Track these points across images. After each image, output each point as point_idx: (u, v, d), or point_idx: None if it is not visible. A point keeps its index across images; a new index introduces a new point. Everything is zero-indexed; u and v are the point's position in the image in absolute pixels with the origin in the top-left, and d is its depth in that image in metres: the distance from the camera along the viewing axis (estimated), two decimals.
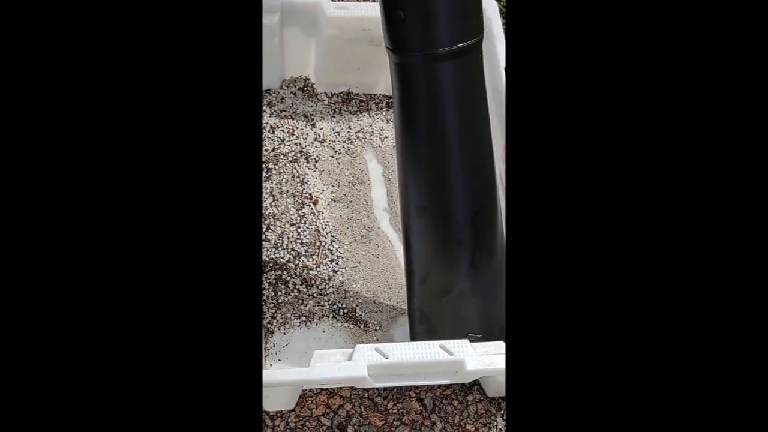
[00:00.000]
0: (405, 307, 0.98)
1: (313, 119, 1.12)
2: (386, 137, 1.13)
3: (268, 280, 0.97)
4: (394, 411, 0.95)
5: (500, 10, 1.12)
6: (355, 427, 0.93)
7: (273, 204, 1.03)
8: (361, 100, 1.17)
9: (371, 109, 1.16)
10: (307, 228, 1.01)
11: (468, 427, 0.94)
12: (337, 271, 0.99)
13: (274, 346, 0.93)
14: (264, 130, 1.09)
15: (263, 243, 0.99)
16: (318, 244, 1.01)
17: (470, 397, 0.96)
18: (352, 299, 0.97)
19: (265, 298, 0.96)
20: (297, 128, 1.10)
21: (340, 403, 0.94)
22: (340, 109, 1.15)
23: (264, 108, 1.12)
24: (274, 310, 0.95)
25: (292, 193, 1.04)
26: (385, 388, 0.95)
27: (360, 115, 1.15)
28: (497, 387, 0.95)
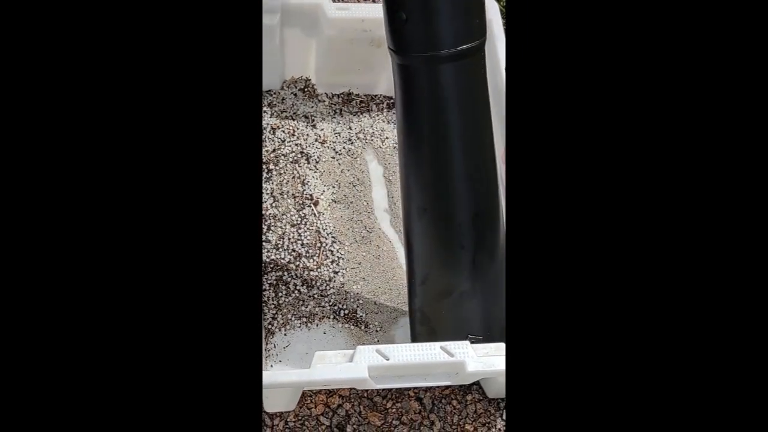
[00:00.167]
0: (406, 308, 0.98)
1: (313, 120, 1.13)
2: (387, 138, 1.14)
3: (268, 281, 0.97)
4: (393, 410, 0.95)
5: (501, 11, 1.12)
6: (354, 426, 0.93)
7: (274, 205, 1.03)
8: (361, 101, 1.17)
9: (372, 110, 1.17)
10: (307, 229, 1.02)
11: (467, 426, 0.95)
12: (338, 272, 0.99)
13: (274, 347, 0.93)
14: (264, 131, 1.09)
15: (264, 244, 1.00)
16: (319, 245, 1.01)
17: (469, 397, 0.97)
18: (352, 300, 0.98)
19: (265, 299, 0.96)
20: (298, 129, 1.11)
21: (339, 402, 0.95)
22: (341, 110, 1.16)
23: (265, 109, 1.12)
24: (274, 311, 0.95)
25: (293, 194, 1.04)
26: (383, 388, 0.96)
27: (361, 116, 1.15)
28: (498, 388, 0.95)
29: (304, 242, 1.00)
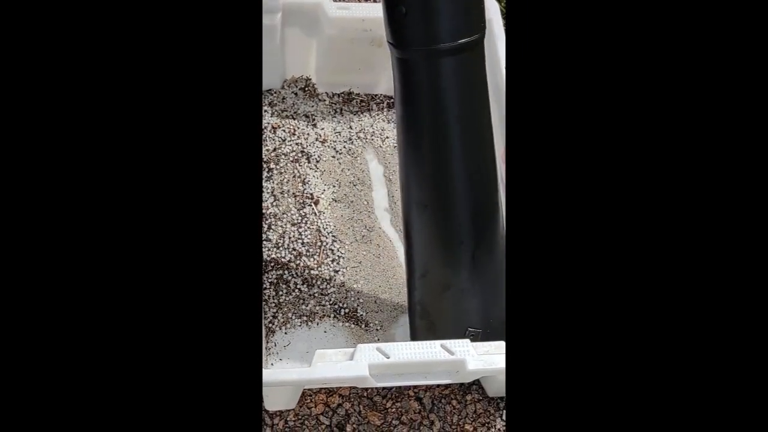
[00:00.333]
0: (406, 307, 0.98)
1: (314, 119, 1.13)
2: (387, 137, 1.14)
3: (269, 280, 0.97)
4: (393, 410, 0.95)
5: (501, 11, 1.12)
6: (354, 425, 0.93)
7: (274, 204, 1.03)
8: (362, 101, 1.18)
9: (372, 110, 1.17)
10: (308, 228, 1.02)
11: (467, 426, 0.95)
12: (339, 271, 0.99)
13: (275, 345, 0.93)
14: (265, 130, 1.09)
15: (265, 243, 1.00)
16: (319, 244, 1.01)
17: (469, 397, 0.97)
18: (353, 299, 0.98)
19: (266, 297, 0.96)
20: (298, 128, 1.11)
21: (339, 401, 0.95)
22: (341, 110, 1.16)
23: (265, 108, 1.12)
24: (275, 310, 0.95)
25: (294, 193, 1.04)
26: (384, 387, 0.96)
27: (361, 116, 1.16)
28: (498, 387, 0.95)
29: (305, 241, 1.00)
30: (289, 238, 1.00)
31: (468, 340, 0.83)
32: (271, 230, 1.01)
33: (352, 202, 1.06)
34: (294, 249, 1.00)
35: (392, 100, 1.18)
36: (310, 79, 1.16)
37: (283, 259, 0.99)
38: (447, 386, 0.97)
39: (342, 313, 0.96)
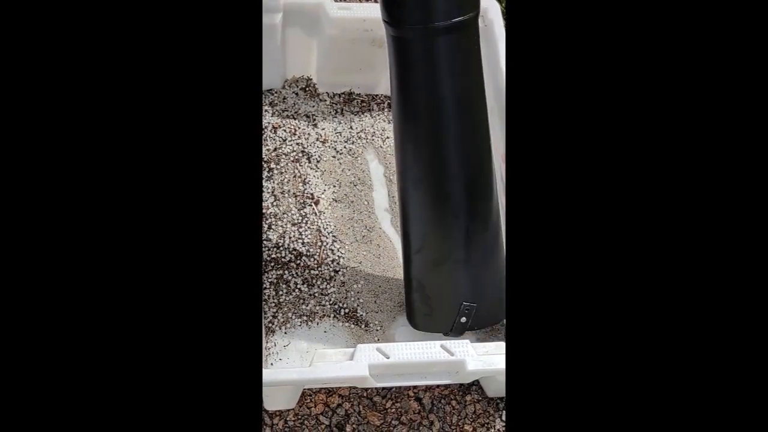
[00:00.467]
0: (407, 307, 0.99)
1: (314, 119, 1.13)
2: (388, 138, 1.14)
3: (269, 280, 0.97)
4: (393, 410, 0.95)
5: (501, 12, 1.12)
6: (354, 426, 0.93)
7: (275, 204, 1.03)
8: (362, 101, 1.18)
9: (373, 110, 1.17)
10: (308, 228, 1.02)
11: (466, 427, 0.95)
12: (339, 271, 1.00)
13: (275, 345, 0.93)
14: (266, 130, 1.09)
15: (265, 242, 1.00)
16: (319, 244, 1.01)
17: (468, 397, 0.97)
18: (353, 299, 0.98)
19: (266, 297, 0.96)
20: (299, 128, 1.11)
21: (338, 402, 0.95)
22: (342, 110, 1.16)
23: (266, 108, 1.12)
24: (275, 310, 0.95)
25: (294, 193, 1.04)
26: (383, 388, 0.96)
27: (362, 116, 1.16)
28: (497, 387, 0.95)
29: (305, 241, 1.00)
30: (290, 238, 1.00)
31: (467, 341, 0.83)
32: (272, 230, 1.01)
33: (352, 202, 1.07)
34: (294, 249, 1.00)
35: None
36: (311, 79, 1.16)
37: (283, 259, 0.99)
38: (446, 386, 0.97)
39: (342, 313, 0.97)
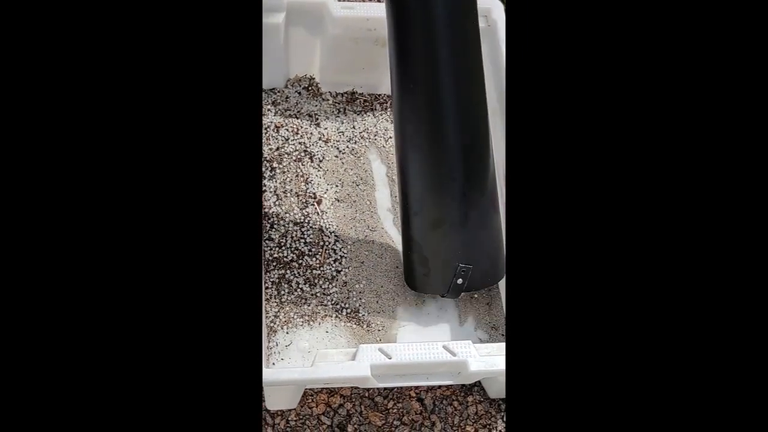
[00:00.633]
0: (408, 307, 0.99)
1: (317, 119, 1.13)
2: (390, 137, 1.14)
3: (271, 279, 0.97)
4: (395, 411, 0.95)
5: (506, 12, 1.12)
6: (355, 426, 0.93)
7: (277, 203, 1.03)
8: (365, 100, 1.17)
9: (376, 109, 1.17)
10: (310, 227, 1.01)
11: (468, 428, 0.95)
12: (341, 270, 0.99)
13: (277, 345, 0.93)
14: (268, 129, 1.09)
15: (267, 242, 1.00)
16: (321, 243, 1.01)
17: (470, 398, 0.97)
18: (355, 299, 0.98)
19: (268, 297, 0.96)
20: (301, 127, 1.11)
21: (340, 402, 0.94)
22: (345, 109, 1.16)
23: (269, 107, 1.12)
24: (277, 309, 0.95)
25: (296, 193, 1.04)
26: (385, 388, 0.96)
27: (364, 115, 1.15)
28: (499, 388, 0.95)
29: (307, 241, 1.00)
30: (292, 237, 1.00)
31: (470, 342, 0.83)
32: (274, 229, 1.01)
33: (354, 201, 1.06)
34: (296, 248, 0.99)
35: None
36: (314, 79, 1.16)
37: (285, 259, 0.99)
38: (448, 387, 0.97)
39: (344, 313, 0.96)
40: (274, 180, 1.05)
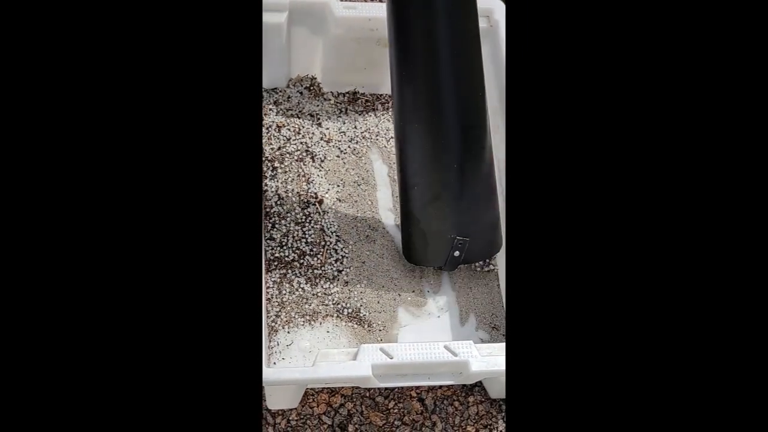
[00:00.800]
0: (410, 308, 0.99)
1: (319, 118, 1.13)
2: (392, 138, 1.14)
3: (272, 279, 0.97)
4: (395, 411, 0.95)
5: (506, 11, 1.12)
6: (356, 426, 0.93)
7: (278, 203, 1.03)
8: (367, 100, 1.17)
9: (377, 110, 1.17)
10: (312, 227, 1.02)
11: (469, 428, 0.95)
12: (342, 270, 0.99)
13: (278, 344, 0.93)
14: (270, 129, 1.09)
15: (268, 242, 1.00)
16: (323, 243, 1.01)
17: (471, 399, 0.97)
18: (356, 299, 0.98)
19: (269, 296, 0.96)
20: (303, 127, 1.11)
21: (341, 401, 0.94)
22: (347, 109, 1.16)
23: (270, 107, 1.12)
24: (278, 309, 0.95)
25: (298, 192, 1.04)
26: (386, 388, 0.96)
27: (366, 115, 1.15)
28: (500, 388, 0.95)
29: (309, 240, 1.00)
30: (293, 237, 1.00)
31: (471, 342, 0.83)
32: (275, 229, 1.01)
33: (356, 201, 1.06)
34: (298, 248, 0.99)
35: None
36: (316, 78, 1.16)
37: (286, 258, 0.99)
38: (449, 387, 0.97)
39: (345, 313, 0.96)
40: (275, 180, 1.05)
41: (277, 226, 1.01)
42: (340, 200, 1.06)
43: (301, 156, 1.08)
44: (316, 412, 0.93)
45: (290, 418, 0.93)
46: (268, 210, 1.02)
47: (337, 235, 1.02)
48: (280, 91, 1.14)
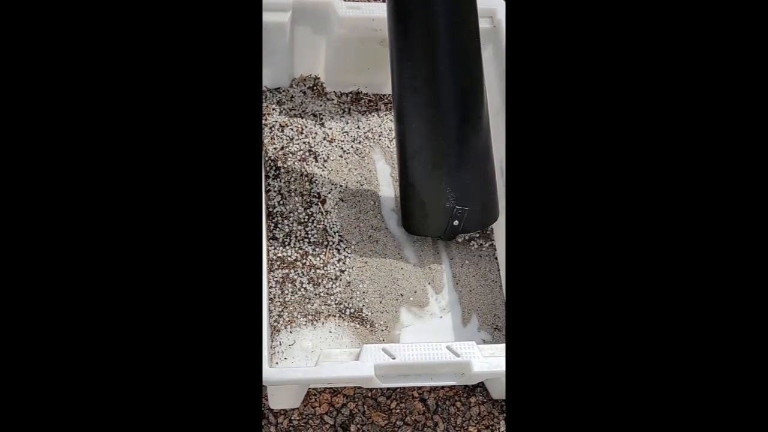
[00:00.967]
0: (412, 308, 0.98)
1: (322, 118, 1.13)
2: (395, 138, 1.14)
3: (275, 279, 0.97)
4: (397, 411, 0.95)
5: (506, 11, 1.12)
6: (358, 426, 0.93)
7: (281, 202, 1.03)
8: (370, 100, 1.17)
9: (380, 110, 1.17)
10: (314, 227, 1.02)
11: (470, 429, 0.95)
12: (344, 270, 0.99)
13: (280, 344, 0.93)
14: (273, 129, 1.09)
15: (271, 241, 1.00)
16: (325, 243, 1.01)
17: (473, 399, 0.97)
18: (358, 299, 0.98)
19: (271, 296, 0.96)
20: (306, 127, 1.11)
21: (343, 401, 0.94)
22: (350, 109, 1.16)
23: (273, 106, 1.12)
24: (280, 309, 0.95)
25: (300, 192, 1.04)
26: (388, 388, 0.96)
27: (369, 115, 1.15)
28: (502, 389, 0.95)
29: (311, 240, 1.00)
30: (296, 237, 1.00)
31: (473, 342, 0.83)
32: (278, 229, 1.01)
33: (358, 201, 1.06)
34: (300, 248, 1.00)
35: None
36: (319, 78, 1.16)
37: (289, 258, 0.99)
38: (451, 388, 0.97)
39: (347, 313, 0.96)
40: (278, 179, 1.05)
41: (279, 225, 1.01)
42: (342, 200, 1.06)
43: (304, 156, 1.08)
44: (318, 412, 0.93)
45: (292, 418, 0.93)
46: (270, 210, 1.02)
47: (339, 235, 1.02)
48: (283, 91, 1.14)
